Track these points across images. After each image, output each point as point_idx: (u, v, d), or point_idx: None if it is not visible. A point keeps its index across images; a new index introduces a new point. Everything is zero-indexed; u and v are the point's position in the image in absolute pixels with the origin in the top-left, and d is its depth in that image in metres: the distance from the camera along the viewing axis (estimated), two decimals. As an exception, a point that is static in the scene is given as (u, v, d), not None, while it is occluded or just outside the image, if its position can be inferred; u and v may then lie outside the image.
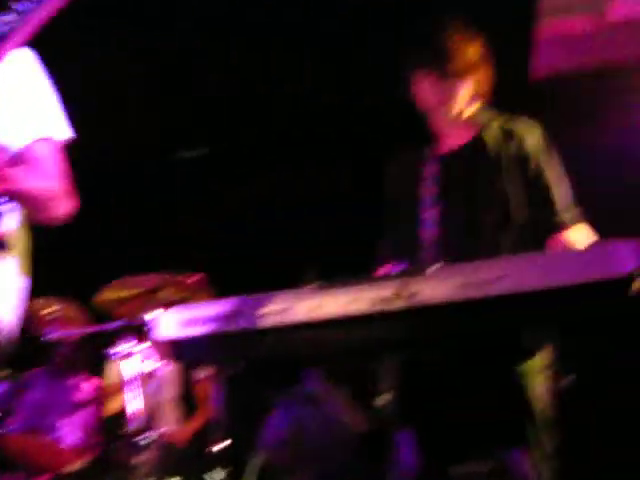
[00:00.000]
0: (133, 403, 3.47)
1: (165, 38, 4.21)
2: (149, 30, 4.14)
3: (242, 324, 1.96)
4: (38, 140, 1.82)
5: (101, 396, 3.73)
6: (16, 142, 1.76)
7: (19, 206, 1.77)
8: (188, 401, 4.34)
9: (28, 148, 1.78)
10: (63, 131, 1.89)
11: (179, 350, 2.11)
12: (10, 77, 1.77)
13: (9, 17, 1.49)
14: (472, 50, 2.35)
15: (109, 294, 3.73)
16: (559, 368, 2.46)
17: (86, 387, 3.56)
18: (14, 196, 1.69)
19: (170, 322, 2.07)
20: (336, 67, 4.41)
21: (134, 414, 3.50)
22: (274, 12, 4.04)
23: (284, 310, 1.92)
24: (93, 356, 3.82)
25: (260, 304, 1.95)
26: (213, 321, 2.01)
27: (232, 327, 1.97)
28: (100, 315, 3.85)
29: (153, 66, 4.46)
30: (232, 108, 4.77)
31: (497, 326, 1.74)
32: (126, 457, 3.70)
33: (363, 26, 4.15)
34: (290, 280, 2.04)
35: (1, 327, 1.81)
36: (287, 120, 4.80)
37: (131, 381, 3.48)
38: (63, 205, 1.82)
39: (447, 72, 2.31)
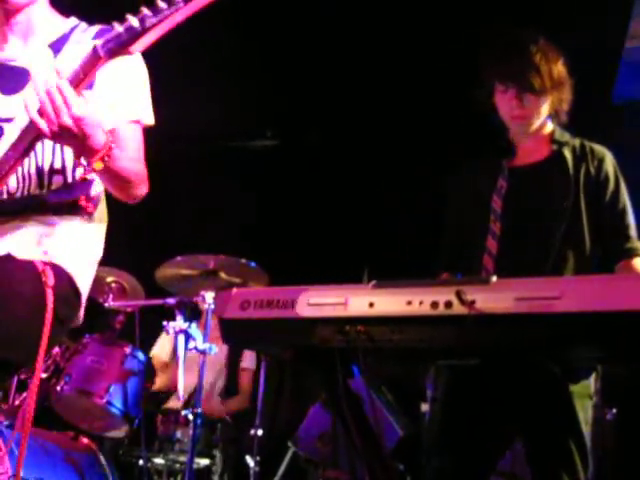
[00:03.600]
0: (181, 378, 3.56)
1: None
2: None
3: (296, 313, 1.99)
4: (128, 122, 1.85)
5: (151, 368, 3.83)
6: (109, 122, 1.79)
7: (109, 183, 1.81)
8: (231, 385, 4.41)
9: (120, 129, 1.81)
10: (148, 118, 1.92)
11: (232, 331, 2.16)
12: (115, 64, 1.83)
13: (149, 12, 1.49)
14: (557, 68, 2.35)
15: (169, 270, 3.82)
16: (604, 398, 2.43)
17: (138, 357, 3.65)
18: (112, 174, 1.73)
19: (226, 303, 2.13)
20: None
21: (181, 389, 3.58)
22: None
23: (339, 303, 1.95)
24: (148, 328, 3.92)
25: (316, 295, 1.99)
26: (269, 307, 2.06)
27: (286, 315, 2.01)
28: (159, 289, 3.96)
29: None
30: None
31: (552, 344, 1.73)
32: (169, 430, 3.81)
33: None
34: (349, 276, 2.07)
35: (79, 294, 1.88)
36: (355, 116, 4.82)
37: (182, 357, 3.56)
38: (143, 188, 1.86)
39: (532, 87, 2.31)
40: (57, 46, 1.87)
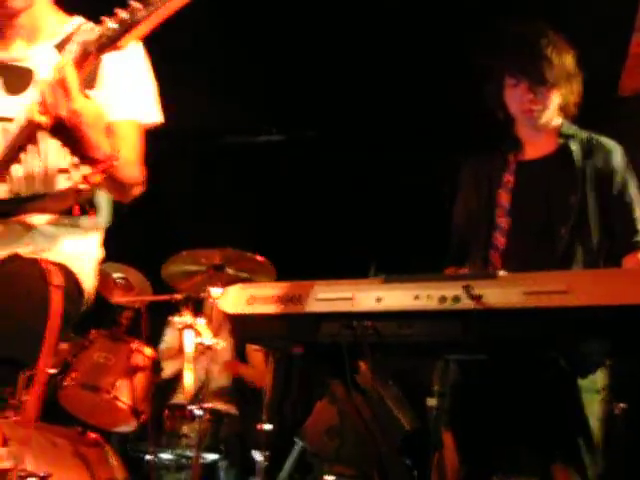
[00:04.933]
0: (188, 373, 3.56)
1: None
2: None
3: (303, 308, 1.99)
4: (127, 121, 1.83)
5: (156, 363, 3.83)
6: (109, 116, 1.75)
7: (103, 187, 1.79)
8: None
9: (118, 128, 1.79)
10: (153, 116, 1.90)
11: (239, 326, 2.16)
12: (118, 61, 1.80)
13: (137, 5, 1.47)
14: (568, 60, 2.34)
15: (175, 266, 3.82)
16: (612, 392, 2.41)
17: (144, 353, 3.65)
18: (111, 179, 1.69)
19: (233, 298, 2.12)
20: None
21: (187, 384, 3.58)
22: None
23: (346, 298, 1.95)
24: (155, 324, 3.93)
25: (323, 290, 1.98)
26: (276, 302, 2.05)
27: (293, 310, 2.01)
28: (165, 285, 3.96)
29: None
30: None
31: (560, 338, 1.73)
32: (176, 424, 3.81)
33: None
34: (356, 270, 2.06)
35: (83, 292, 1.88)
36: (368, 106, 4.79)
37: (188, 352, 3.57)
38: (138, 189, 1.84)
39: (545, 80, 2.30)
40: (62, 46, 1.87)
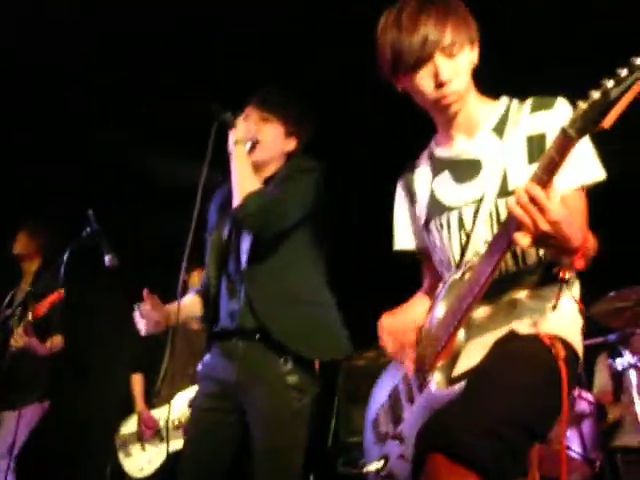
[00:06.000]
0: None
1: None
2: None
3: None
4: (573, 191, 1.76)
5: (598, 409, 3.71)
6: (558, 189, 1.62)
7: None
8: None
9: (566, 195, 1.73)
10: (596, 173, 1.78)
11: None
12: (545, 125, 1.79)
13: None
14: None
15: (604, 304, 3.70)
16: None
17: (586, 399, 3.57)
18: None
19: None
20: None
21: None
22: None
23: None
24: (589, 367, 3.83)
25: None
26: None
27: None
28: (596, 326, 3.84)
29: None
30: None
31: None
32: (631, 468, 3.63)
33: None
34: None
35: (578, 357, 1.84)
36: None
37: (635, 391, 3.41)
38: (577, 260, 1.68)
39: None
40: (498, 130, 1.91)
